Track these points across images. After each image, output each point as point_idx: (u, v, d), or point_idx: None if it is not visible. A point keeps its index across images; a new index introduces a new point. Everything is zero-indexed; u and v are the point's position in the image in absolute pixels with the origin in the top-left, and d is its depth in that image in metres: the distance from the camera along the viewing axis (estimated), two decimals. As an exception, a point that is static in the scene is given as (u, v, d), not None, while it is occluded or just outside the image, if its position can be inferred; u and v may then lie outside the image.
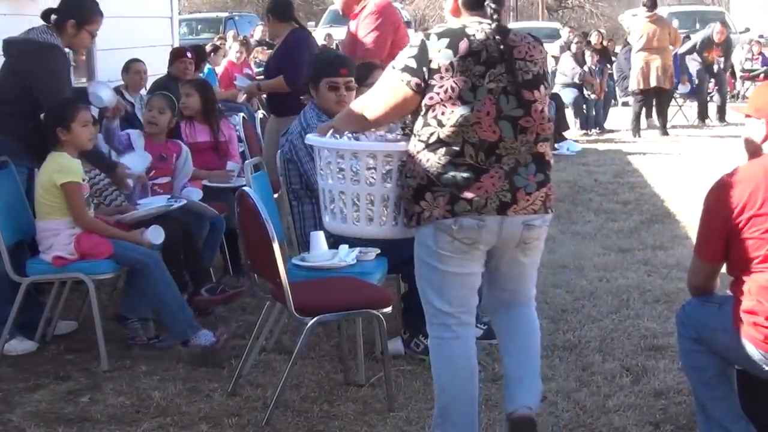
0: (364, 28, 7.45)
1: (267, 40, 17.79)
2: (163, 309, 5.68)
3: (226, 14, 28.89)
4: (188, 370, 5.42)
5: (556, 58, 18.68)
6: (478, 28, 3.98)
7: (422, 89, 3.94)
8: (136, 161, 6.49)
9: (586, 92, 16.37)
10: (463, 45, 3.92)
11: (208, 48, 13.21)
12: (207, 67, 12.52)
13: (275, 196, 6.38)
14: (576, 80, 16.37)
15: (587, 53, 16.88)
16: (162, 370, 5.43)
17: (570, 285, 6.97)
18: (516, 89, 3.95)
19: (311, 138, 4.35)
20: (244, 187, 4.89)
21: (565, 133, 14.78)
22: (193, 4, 42.45)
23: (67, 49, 6.26)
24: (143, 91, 9.18)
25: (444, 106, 3.91)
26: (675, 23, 19.52)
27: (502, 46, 3.95)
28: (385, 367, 4.84)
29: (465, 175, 3.90)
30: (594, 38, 18.16)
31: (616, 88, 18.26)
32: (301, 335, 4.64)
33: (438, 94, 3.91)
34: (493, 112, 3.92)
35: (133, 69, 9.27)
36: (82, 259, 5.62)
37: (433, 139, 3.93)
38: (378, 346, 5.28)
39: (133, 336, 5.90)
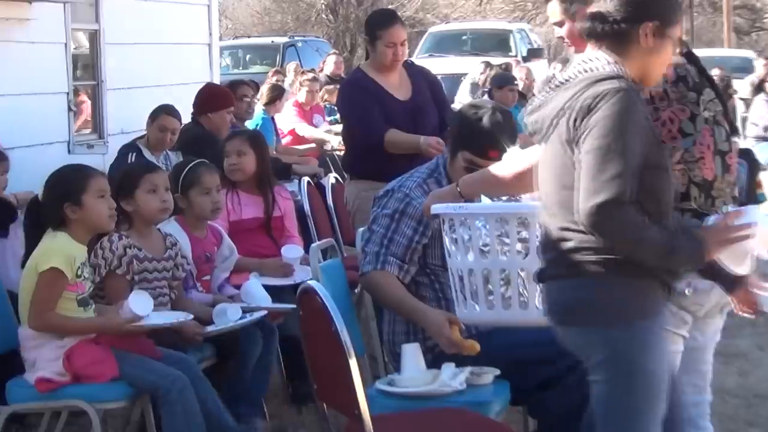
0: None
1: (342, 75, 17.96)
2: None
3: (285, 39, 28.74)
4: None
5: (747, 101, 18.53)
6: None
7: None
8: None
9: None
10: (669, 70, 4.40)
11: (266, 89, 13.26)
12: (261, 113, 12.54)
13: (355, 291, 6.36)
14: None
15: (790, 91, 16.78)
16: None
17: (770, 422, 6.88)
18: (725, 119, 4.51)
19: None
20: (309, 281, 4.90)
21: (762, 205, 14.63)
22: (240, 26, 42.96)
23: None
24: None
25: (663, 142, 4.32)
26: None
27: (699, 72, 4.51)
28: None
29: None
30: None
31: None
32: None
33: None
34: (712, 145, 4.43)
35: (164, 124, 8.86)
36: (77, 381, 5.57)
37: None
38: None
39: None
